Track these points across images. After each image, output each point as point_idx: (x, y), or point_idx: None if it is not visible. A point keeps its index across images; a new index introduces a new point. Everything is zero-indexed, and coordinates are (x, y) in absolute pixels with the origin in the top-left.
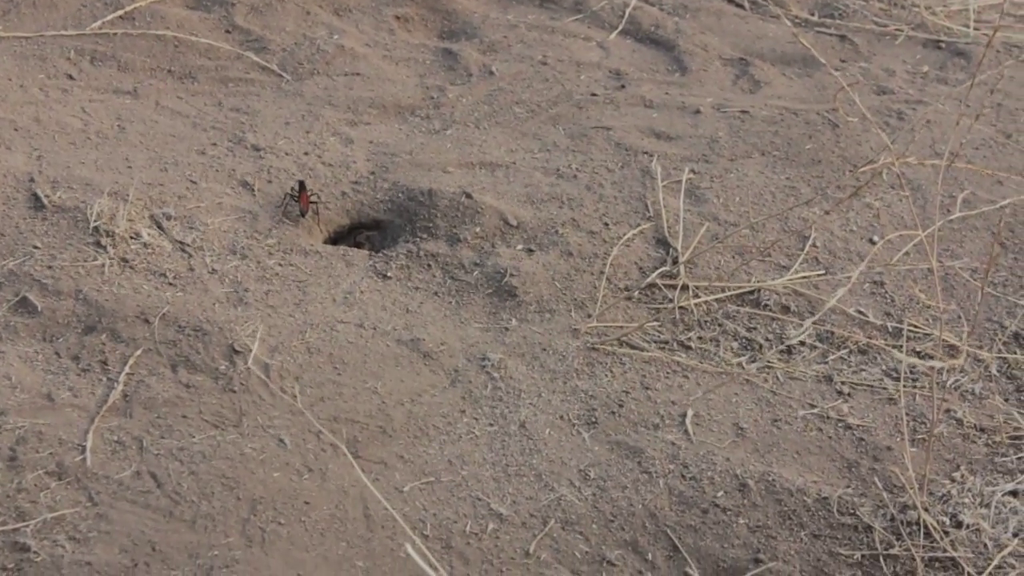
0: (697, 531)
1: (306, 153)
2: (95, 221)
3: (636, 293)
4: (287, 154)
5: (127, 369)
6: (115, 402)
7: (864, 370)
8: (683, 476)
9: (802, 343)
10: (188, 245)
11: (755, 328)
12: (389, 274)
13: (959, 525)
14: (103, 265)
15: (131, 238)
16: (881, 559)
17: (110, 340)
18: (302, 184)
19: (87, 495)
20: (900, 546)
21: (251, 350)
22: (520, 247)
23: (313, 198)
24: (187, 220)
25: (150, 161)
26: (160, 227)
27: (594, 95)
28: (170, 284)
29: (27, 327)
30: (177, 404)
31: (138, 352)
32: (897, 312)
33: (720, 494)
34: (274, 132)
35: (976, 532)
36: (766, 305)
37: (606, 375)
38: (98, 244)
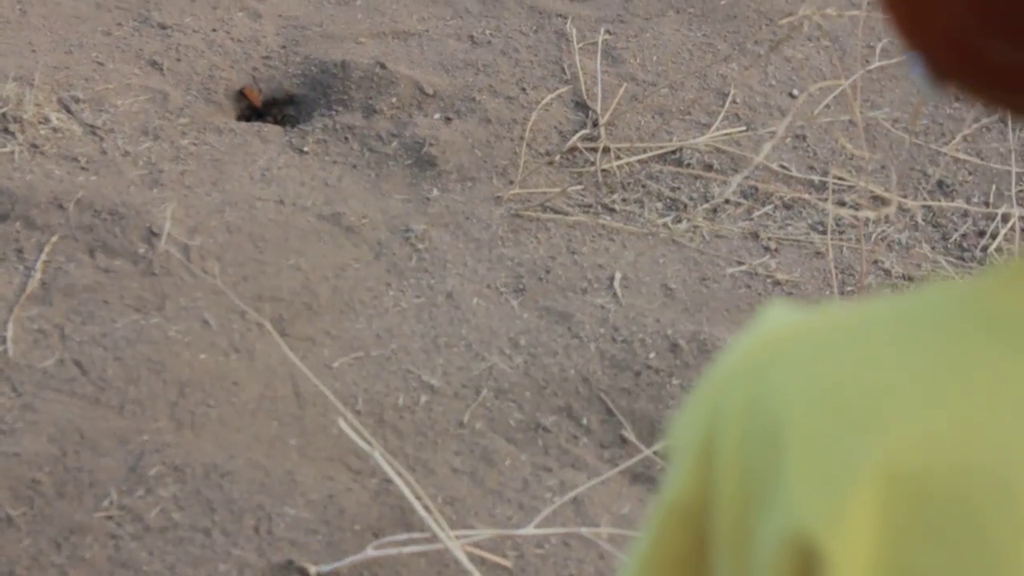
0: (631, 393)
1: (214, 30)
2: (1, 108)
3: (557, 157)
4: (195, 31)
5: (44, 256)
6: (34, 291)
7: (790, 225)
8: (614, 339)
9: (727, 201)
10: (99, 128)
11: (679, 188)
12: (306, 149)
13: None
14: (12, 152)
15: (40, 123)
16: None
17: (25, 228)
18: (241, 91)
19: (11, 386)
20: None
21: (169, 232)
22: (437, 116)
23: (255, 92)
24: (96, 103)
25: (54, 44)
26: (69, 111)
27: None
28: (83, 168)
29: None
30: (97, 290)
31: (54, 239)
32: (820, 165)
33: (652, 355)
34: (180, 9)
35: None
36: (689, 164)
37: (531, 241)
38: (6, 131)
